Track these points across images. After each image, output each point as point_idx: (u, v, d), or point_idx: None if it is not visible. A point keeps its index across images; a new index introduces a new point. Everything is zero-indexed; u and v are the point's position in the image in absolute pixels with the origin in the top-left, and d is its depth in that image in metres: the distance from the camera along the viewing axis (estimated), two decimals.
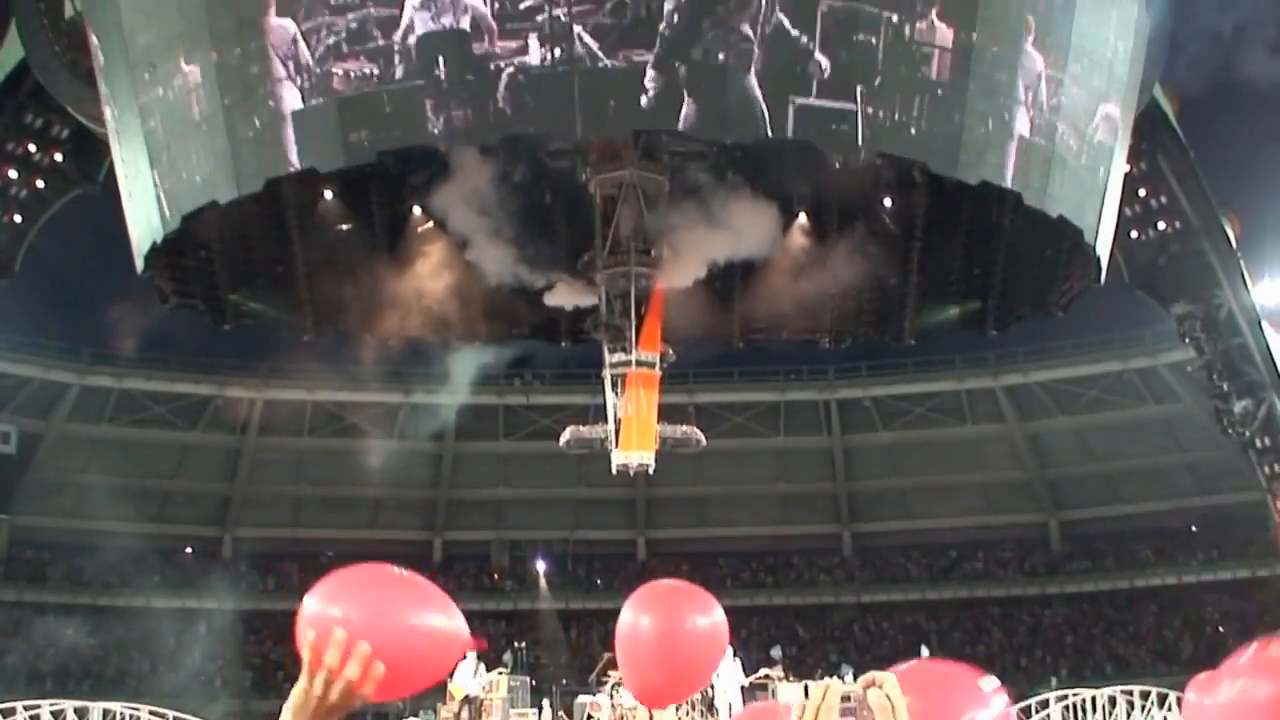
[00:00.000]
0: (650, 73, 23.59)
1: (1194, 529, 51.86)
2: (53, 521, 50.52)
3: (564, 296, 32.70)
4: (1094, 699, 33.99)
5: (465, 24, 23.82)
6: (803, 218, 33.93)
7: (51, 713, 32.18)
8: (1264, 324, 37.10)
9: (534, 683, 33.38)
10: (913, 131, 25.46)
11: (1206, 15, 31.73)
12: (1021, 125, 26.31)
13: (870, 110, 24.77)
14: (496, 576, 54.99)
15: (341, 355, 40.13)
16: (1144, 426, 50.91)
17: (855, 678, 4.16)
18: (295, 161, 25.56)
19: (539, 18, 23.43)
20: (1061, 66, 26.60)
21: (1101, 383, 50.32)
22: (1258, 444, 37.66)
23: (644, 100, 23.72)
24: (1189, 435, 49.62)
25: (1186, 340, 39.07)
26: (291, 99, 25.15)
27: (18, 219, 36.16)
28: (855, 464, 55.14)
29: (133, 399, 50.10)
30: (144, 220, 28.83)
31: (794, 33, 24.04)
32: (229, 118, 25.77)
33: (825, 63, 24.17)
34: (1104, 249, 30.32)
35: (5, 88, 34.14)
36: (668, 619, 7.38)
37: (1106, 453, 52.37)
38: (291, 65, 25.17)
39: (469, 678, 27.84)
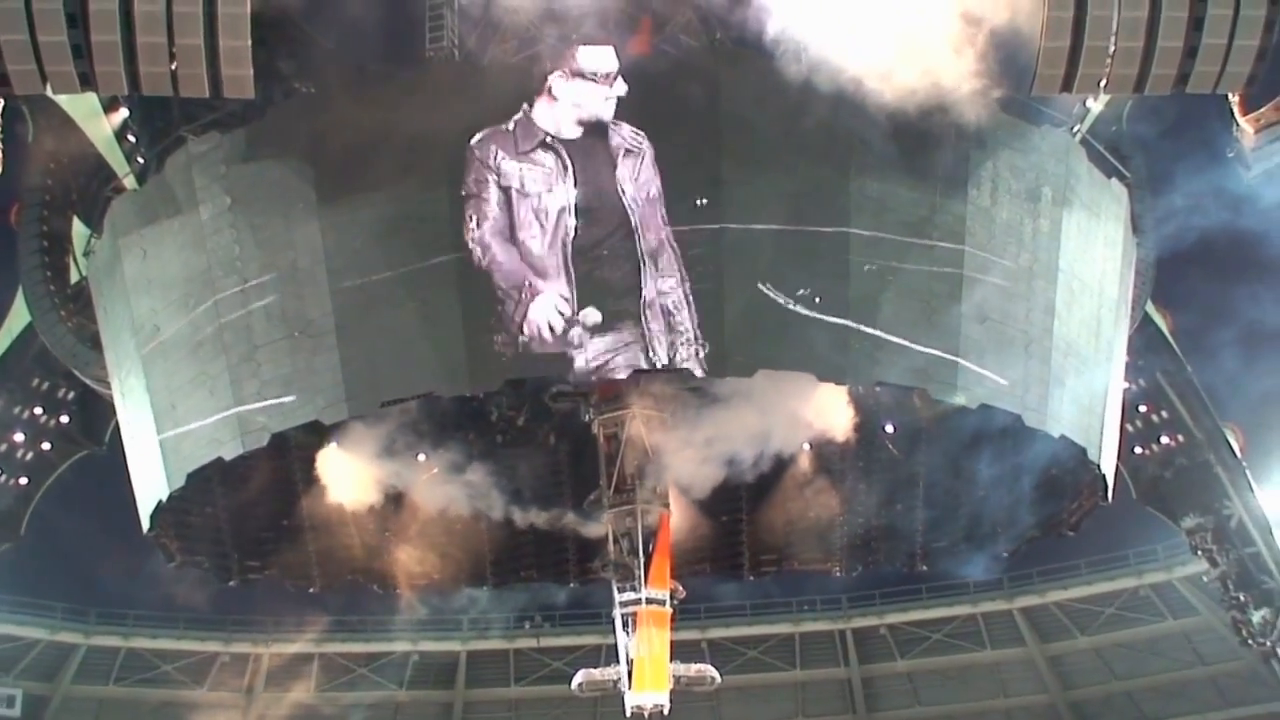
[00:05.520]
0: None
1: None
2: None
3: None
4: None
5: None
6: (806, 446, 33.91)
7: None
8: (1275, 531, 36.90)
9: None
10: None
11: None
12: None
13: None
14: None
15: (348, 605, 39.63)
16: (1164, 641, 49.90)
17: None
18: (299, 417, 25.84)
19: None
20: (1052, 291, 27.08)
21: (1118, 600, 49.54)
22: (1279, 652, 37.11)
23: None
24: (1209, 648, 48.57)
25: (1199, 553, 38.80)
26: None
27: (24, 481, 36.31)
28: (875, 694, 53.81)
29: (140, 658, 49.31)
30: (149, 479, 28.89)
31: None
32: (233, 376, 26.09)
33: None
34: (1109, 466, 30.29)
35: (12, 353, 34.64)
36: None
37: (1128, 670, 51.17)
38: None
39: None
